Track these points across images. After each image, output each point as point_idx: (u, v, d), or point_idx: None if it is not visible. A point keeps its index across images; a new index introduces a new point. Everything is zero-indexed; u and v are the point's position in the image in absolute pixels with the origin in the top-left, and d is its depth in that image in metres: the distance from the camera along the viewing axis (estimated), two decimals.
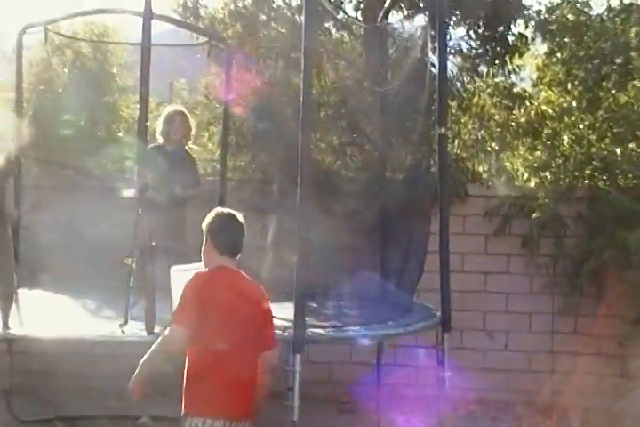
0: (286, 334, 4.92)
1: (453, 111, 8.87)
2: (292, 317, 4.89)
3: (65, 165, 8.69)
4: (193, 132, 7.38)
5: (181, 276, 5.30)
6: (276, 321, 4.49)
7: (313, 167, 5.38)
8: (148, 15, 5.69)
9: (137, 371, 4.20)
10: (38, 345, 5.69)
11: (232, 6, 9.19)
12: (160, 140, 7.17)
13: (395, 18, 8.24)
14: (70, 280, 6.89)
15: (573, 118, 8.79)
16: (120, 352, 7.08)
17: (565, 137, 8.83)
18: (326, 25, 9.21)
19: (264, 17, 9.20)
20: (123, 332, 5.51)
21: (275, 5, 9.22)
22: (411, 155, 7.58)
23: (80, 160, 8.57)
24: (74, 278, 6.87)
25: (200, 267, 4.77)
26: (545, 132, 8.93)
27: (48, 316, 6.06)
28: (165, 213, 6.37)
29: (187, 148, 7.37)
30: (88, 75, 9.58)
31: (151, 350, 4.21)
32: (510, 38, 9.07)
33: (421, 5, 8.40)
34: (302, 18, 5.32)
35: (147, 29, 5.64)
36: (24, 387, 7.21)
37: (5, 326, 5.57)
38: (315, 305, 6.30)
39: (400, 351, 7.74)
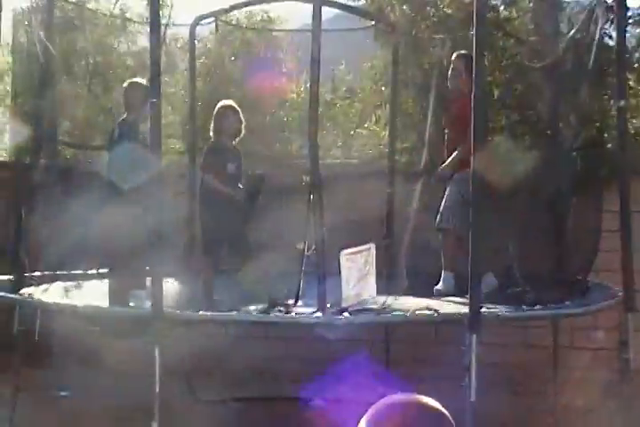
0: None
1: (631, 84, 8.48)
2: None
3: None
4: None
5: (351, 259, 5.35)
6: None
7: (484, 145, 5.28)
8: (318, 1, 5.82)
9: None
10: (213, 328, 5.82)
11: None
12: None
13: None
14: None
15: None
16: (290, 335, 7.27)
17: None
18: (493, 2, 8.99)
19: None
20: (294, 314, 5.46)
21: None
22: (585, 130, 7.32)
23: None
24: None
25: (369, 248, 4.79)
26: None
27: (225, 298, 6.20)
28: None
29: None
30: (255, 63, 9.79)
31: None
32: None
33: None
34: None
35: (317, 16, 5.76)
36: (203, 369, 7.43)
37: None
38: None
39: (578, 333, 7.50)
